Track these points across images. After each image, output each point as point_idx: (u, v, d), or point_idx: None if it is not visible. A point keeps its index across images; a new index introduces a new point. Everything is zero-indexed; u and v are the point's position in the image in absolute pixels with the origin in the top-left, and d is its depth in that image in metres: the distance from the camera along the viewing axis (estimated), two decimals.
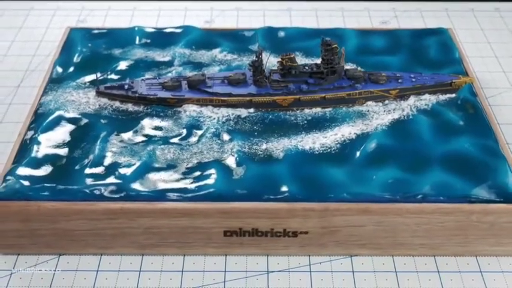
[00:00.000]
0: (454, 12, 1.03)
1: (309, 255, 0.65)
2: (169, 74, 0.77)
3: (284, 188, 0.63)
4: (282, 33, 0.86)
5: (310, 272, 0.64)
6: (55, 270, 0.64)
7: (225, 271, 0.64)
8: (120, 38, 0.85)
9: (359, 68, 0.76)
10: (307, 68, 0.73)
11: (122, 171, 0.65)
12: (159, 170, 0.65)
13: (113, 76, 0.78)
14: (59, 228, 0.63)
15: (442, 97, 0.74)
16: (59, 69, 0.79)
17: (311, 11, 1.03)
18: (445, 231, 0.63)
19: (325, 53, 0.72)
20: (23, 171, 0.64)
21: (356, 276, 0.63)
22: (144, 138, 0.69)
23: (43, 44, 0.96)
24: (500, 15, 1.03)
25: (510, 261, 0.65)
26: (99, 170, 0.65)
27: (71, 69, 0.79)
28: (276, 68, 0.75)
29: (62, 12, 1.03)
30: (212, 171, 0.65)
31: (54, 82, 0.77)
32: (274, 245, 0.64)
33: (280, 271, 0.64)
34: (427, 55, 0.82)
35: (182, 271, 0.64)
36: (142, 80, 0.75)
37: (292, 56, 0.73)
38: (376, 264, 0.64)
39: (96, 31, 0.86)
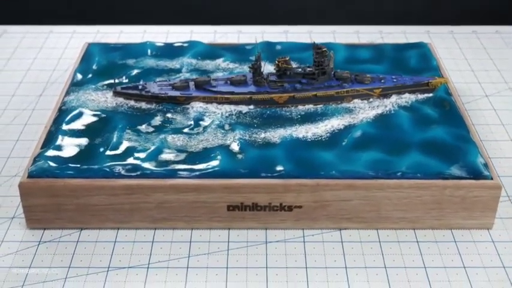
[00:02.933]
0: (435, 34, 1.14)
1: (303, 229, 0.73)
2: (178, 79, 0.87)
3: (280, 167, 0.72)
4: (278, 47, 0.95)
5: (304, 242, 0.72)
6: (77, 241, 0.72)
7: (228, 242, 0.72)
8: (133, 51, 0.94)
9: (346, 72, 0.85)
10: (300, 69, 0.83)
11: (138, 154, 0.73)
12: (170, 153, 0.74)
13: (128, 81, 0.87)
14: (81, 204, 0.71)
15: (421, 96, 0.84)
16: (79, 76, 0.88)
17: (305, 33, 1.14)
18: (423, 205, 0.72)
19: (316, 56, 0.81)
20: (50, 153, 0.73)
21: (344, 245, 0.72)
22: (156, 129, 0.78)
23: (62, 61, 1.05)
24: (477, 36, 1.13)
25: (481, 233, 0.73)
26: (117, 152, 0.74)
27: (90, 75, 0.88)
28: (273, 71, 0.84)
29: (79, 34, 1.13)
30: (217, 154, 0.73)
31: (75, 85, 0.86)
32: (272, 219, 0.73)
33: (277, 241, 0.72)
34: (408, 64, 0.91)
35: (190, 242, 0.72)
36: (155, 82, 0.85)
37: (287, 58, 0.82)
38: (363, 236, 0.73)
39: (111, 45, 0.96)
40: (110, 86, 0.85)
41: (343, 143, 0.76)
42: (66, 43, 1.11)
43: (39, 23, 1.17)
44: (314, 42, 0.82)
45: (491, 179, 0.71)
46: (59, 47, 1.09)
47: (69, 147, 0.75)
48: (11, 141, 0.87)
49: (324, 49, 0.81)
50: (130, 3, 1.31)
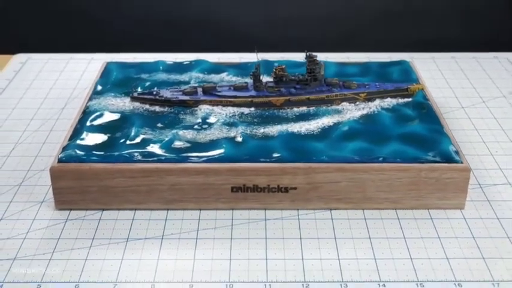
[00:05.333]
0: (418, 60, 1.25)
1: (298, 209, 0.83)
2: None
3: (277, 154, 0.83)
4: (276, 64, 1.07)
5: (299, 219, 0.82)
6: (100, 219, 0.82)
7: (232, 219, 0.82)
8: (146, 67, 1.06)
9: (335, 78, 0.97)
10: (294, 76, 0.95)
11: (153, 143, 0.84)
12: (181, 143, 0.85)
13: (143, 90, 0.99)
14: (104, 186, 0.82)
15: (401, 100, 0.95)
16: (99, 87, 1.00)
17: (300, 59, 1.25)
18: (402, 186, 0.82)
19: (309, 64, 0.93)
20: (77, 143, 0.84)
21: (334, 221, 0.82)
22: (168, 126, 0.89)
23: (81, 81, 1.17)
24: (456, 61, 1.26)
25: (454, 212, 0.83)
26: (136, 142, 0.85)
27: (109, 86, 1.00)
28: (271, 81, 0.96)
29: (96, 61, 1.25)
30: (222, 143, 0.84)
31: (96, 94, 0.98)
32: (271, 200, 0.83)
33: (275, 219, 0.82)
34: (391, 78, 1.03)
35: (199, 219, 0.82)
36: (167, 89, 0.97)
37: (283, 67, 0.94)
38: (350, 214, 0.83)
39: (127, 64, 1.08)
40: (127, 93, 0.97)
41: (333, 136, 0.86)
42: (85, 67, 1.23)
43: (60, 51, 1.29)
44: (306, 52, 0.94)
45: (461, 163, 0.82)
46: (78, 70, 1.21)
47: (93, 139, 0.86)
48: (39, 143, 0.98)
49: (315, 58, 0.93)
50: (142, 35, 1.45)
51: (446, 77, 1.19)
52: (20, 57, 1.27)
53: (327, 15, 1.48)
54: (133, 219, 0.82)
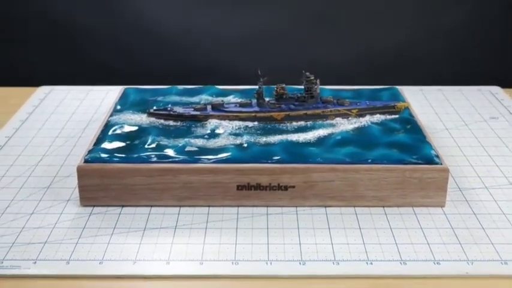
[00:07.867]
0: (407, 91, 1.37)
1: (296, 206, 0.94)
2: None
3: (277, 157, 0.93)
4: None
5: (297, 214, 0.92)
6: (120, 214, 0.92)
7: (238, 213, 0.92)
8: (161, 92, 1.18)
9: (330, 97, 1.09)
10: (293, 94, 1.06)
11: (168, 148, 0.95)
12: (193, 148, 0.96)
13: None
14: (124, 184, 0.92)
15: (389, 116, 1.06)
16: (118, 107, 1.12)
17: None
18: (389, 185, 0.92)
19: (306, 83, 1.05)
20: (101, 147, 0.95)
21: (329, 216, 0.92)
22: (182, 136, 1.00)
23: (101, 108, 1.29)
24: (442, 93, 1.37)
25: (436, 209, 0.93)
26: (152, 147, 0.96)
27: (127, 105, 1.12)
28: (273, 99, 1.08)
29: (114, 92, 1.37)
30: (229, 148, 0.95)
31: (116, 111, 1.09)
32: (272, 198, 0.93)
33: (276, 214, 0.92)
34: (380, 100, 1.14)
35: (208, 214, 0.92)
36: (180, 106, 1.08)
37: (283, 85, 1.06)
38: (343, 211, 0.93)
39: (143, 89, 1.20)
40: (144, 110, 1.08)
41: (327, 143, 0.97)
42: (104, 96, 1.35)
43: (80, 84, 1.42)
44: (304, 71, 1.06)
45: (441, 164, 0.92)
46: (98, 99, 1.34)
47: (115, 144, 0.97)
48: (63, 156, 1.09)
49: (312, 77, 1.05)
50: (155, 70, 1.58)
51: (432, 105, 1.30)
52: (44, 89, 1.39)
53: (325, 59, 1.60)
54: (149, 214, 0.92)
